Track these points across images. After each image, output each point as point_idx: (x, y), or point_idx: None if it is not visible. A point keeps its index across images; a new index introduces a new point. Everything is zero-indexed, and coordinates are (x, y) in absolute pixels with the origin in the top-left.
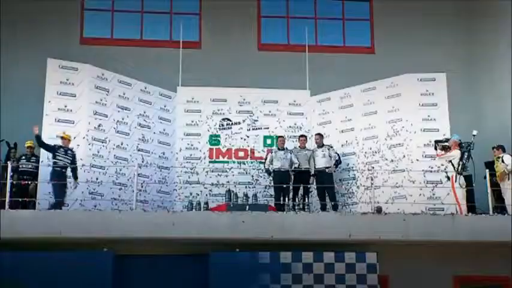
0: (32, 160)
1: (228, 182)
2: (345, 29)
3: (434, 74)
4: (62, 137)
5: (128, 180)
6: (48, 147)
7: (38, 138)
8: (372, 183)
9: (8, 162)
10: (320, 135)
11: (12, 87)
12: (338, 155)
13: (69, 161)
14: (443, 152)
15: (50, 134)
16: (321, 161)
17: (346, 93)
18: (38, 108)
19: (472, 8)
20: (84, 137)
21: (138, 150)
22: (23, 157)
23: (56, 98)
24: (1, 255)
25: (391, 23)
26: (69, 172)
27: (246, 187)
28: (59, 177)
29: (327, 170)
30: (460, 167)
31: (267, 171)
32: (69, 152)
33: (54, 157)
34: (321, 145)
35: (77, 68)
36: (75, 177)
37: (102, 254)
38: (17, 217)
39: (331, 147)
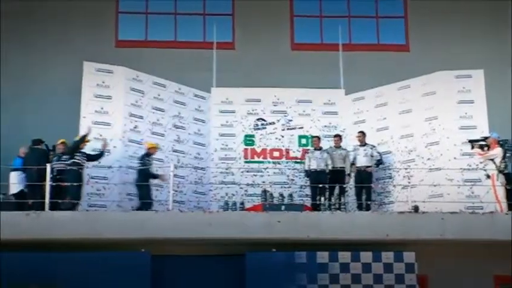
0: (63, 159)
1: (264, 182)
2: (378, 26)
3: (471, 71)
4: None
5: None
6: (76, 150)
7: (84, 137)
8: (408, 182)
9: (48, 164)
10: (363, 133)
11: (48, 90)
12: (380, 154)
13: (67, 164)
14: (485, 151)
15: (88, 136)
16: (363, 160)
17: (381, 91)
18: (74, 110)
19: (508, 3)
20: (120, 139)
21: (174, 151)
22: (55, 157)
23: (92, 101)
24: (40, 256)
25: (426, 19)
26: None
27: (281, 187)
28: (76, 178)
29: (367, 170)
30: (502, 165)
31: (306, 172)
32: (64, 157)
33: (72, 157)
34: (363, 144)
35: (112, 70)
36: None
37: (139, 255)
38: (56, 218)
39: (374, 146)
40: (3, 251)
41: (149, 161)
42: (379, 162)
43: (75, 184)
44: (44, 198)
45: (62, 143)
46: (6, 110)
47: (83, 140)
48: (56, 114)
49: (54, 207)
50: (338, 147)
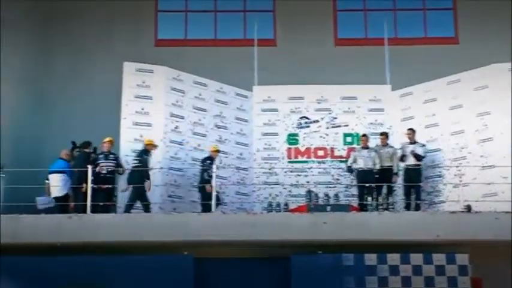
0: (110, 158)
1: (308, 182)
2: (426, 19)
3: None
4: (103, 142)
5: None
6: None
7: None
8: (460, 181)
9: (89, 166)
10: (412, 131)
11: (88, 91)
12: (425, 152)
13: (114, 164)
14: None
15: (128, 138)
16: (412, 158)
17: (429, 86)
18: (114, 111)
19: None
20: (161, 140)
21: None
22: (101, 155)
23: (132, 101)
24: (82, 260)
25: (476, 10)
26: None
27: (326, 187)
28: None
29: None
30: None
31: (349, 169)
32: (111, 155)
33: (96, 166)
34: (413, 141)
35: (153, 70)
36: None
37: (182, 258)
38: (98, 221)
39: (424, 145)
40: (45, 254)
41: (208, 165)
42: (418, 158)
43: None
44: (96, 200)
45: (109, 141)
46: (51, 111)
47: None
48: (97, 116)
49: (105, 209)
50: (385, 145)
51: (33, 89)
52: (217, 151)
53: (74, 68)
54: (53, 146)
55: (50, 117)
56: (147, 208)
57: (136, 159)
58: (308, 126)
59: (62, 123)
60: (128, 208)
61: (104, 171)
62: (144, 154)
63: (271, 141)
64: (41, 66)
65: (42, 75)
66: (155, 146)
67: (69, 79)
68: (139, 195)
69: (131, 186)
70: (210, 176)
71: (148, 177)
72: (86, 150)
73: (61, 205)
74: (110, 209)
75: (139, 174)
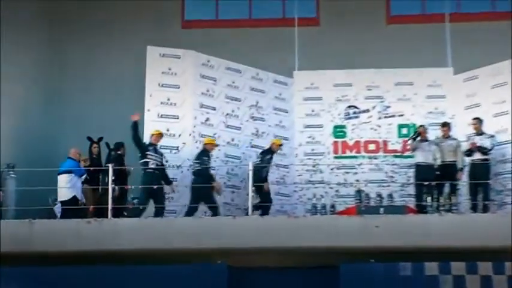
0: (159, 152)
1: (358, 180)
2: None
3: None
4: (152, 134)
5: (242, 181)
6: (139, 143)
7: (135, 126)
8: None
9: (109, 165)
10: (479, 120)
11: (108, 79)
12: (493, 145)
13: (160, 162)
14: None
15: (153, 132)
16: (478, 153)
17: (499, 69)
18: (138, 102)
19: None
20: (190, 134)
21: (252, 146)
22: (150, 146)
23: (157, 91)
24: (104, 269)
25: None
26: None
27: (379, 186)
28: (153, 181)
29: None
30: None
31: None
32: (159, 151)
33: (144, 156)
34: (480, 132)
35: (180, 55)
36: (168, 181)
37: (215, 268)
38: (120, 226)
39: (493, 136)
40: (62, 263)
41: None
42: (483, 151)
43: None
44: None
45: (158, 134)
46: (68, 105)
47: (133, 134)
48: (118, 110)
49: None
50: (447, 137)
51: (46, 88)
52: (280, 145)
53: (89, 58)
54: (68, 145)
55: (64, 115)
56: (215, 211)
57: (196, 162)
58: (357, 117)
59: (78, 121)
60: (191, 212)
61: (153, 165)
62: (203, 155)
63: (314, 134)
64: (55, 62)
65: (56, 71)
66: (215, 146)
67: (85, 72)
68: (204, 198)
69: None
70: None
71: (213, 179)
72: (119, 152)
73: (71, 209)
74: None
75: (203, 178)
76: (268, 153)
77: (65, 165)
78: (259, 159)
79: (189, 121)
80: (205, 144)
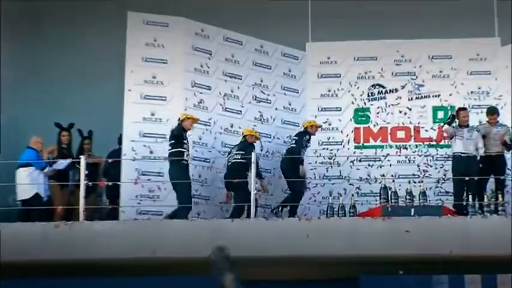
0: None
1: (383, 175)
2: None
3: None
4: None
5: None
6: (181, 131)
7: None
8: None
9: (81, 156)
10: None
11: (83, 54)
12: None
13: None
14: None
15: (135, 117)
16: None
17: None
18: (115, 82)
19: None
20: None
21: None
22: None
23: (140, 67)
24: (76, 284)
25: None
26: None
27: (409, 182)
28: (187, 174)
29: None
30: None
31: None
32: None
33: (179, 146)
34: None
35: (168, 23)
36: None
37: (211, 281)
38: (95, 230)
39: None
40: (24, 276)
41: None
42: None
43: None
44: None
45: (193, 118)
46: (36, 85)
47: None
48: (98, 88)
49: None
50: (494, 123)
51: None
52: (319, 126)
53: (62, 29)
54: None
55: (32, 97)
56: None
57: (238, 153)
58: (383, 98)
59: (47, 105)
60: (239, 213)
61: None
62: (250, 147)
63: (331, 119)
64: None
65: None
66: (257, 138)
67: (56, 45)
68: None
69: None
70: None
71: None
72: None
73: (34, 210)
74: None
75: (243, 172)
76: (305, 135)
77: (23, 157)
78: (294, 141)
79: (179, 103)
80: (245, 136)
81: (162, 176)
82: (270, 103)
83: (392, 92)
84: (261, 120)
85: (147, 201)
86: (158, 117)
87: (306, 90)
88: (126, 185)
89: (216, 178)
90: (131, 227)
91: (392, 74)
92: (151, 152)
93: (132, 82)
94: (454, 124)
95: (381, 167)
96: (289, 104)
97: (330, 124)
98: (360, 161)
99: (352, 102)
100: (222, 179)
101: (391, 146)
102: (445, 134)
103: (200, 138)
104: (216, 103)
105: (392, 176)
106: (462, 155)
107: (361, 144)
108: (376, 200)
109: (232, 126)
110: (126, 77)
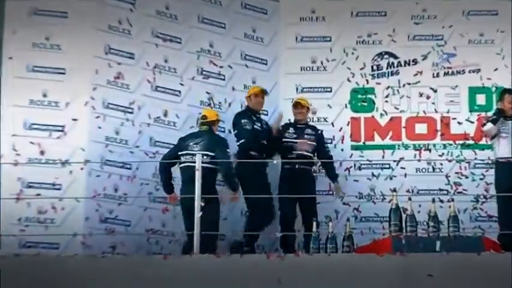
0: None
1: (395, 190)
2: None
3: None
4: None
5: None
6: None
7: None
8: None
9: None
10: None
11: None
12: None
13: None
14: None
15: (17, 99)
16: None
17: None
18: None
19: None
20: (86, 103)
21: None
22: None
23: (26, 24)
24: None
25: None
26: None
27: (433, 201)
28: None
29: None
30: None
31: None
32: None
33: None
34: None
35: None
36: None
37: None
38: None
39: None
40: None
41: None
42: None
43: None
44: None
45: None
46: None
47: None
48: None
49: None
50: None
51: None
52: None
53: None
54: None
55: None
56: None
57: (205, 153)
58: (395, 73)
59: None
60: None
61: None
62: (222, 143)
63: (317, 104)
64: None
65: None
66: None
67: None
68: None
69: None
70: None
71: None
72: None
73: None
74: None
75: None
76: (244, 116)
77: None
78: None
79: (85, 79)
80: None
81: (58, 189)
82: (223, 79)
83: (409, 64)
84: (210, 104)
85: (36, 227)
86: (53, 99)
87: (278, 61)
88: (3, 203)
89: (142, 193)
90: (10, 267)
91: (408, 37)
92: (42, 153)
93: (13, 46)
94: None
95: (391, 178)
96: (253, 82)
97: (313, 113)
98: (359, 168)
99: (349, 80)
100: (151, 195)
101: (406, 147)
102: (485, 132)
103: (117, 133)
104: (141, 79)
105: (408, 191)
106: (511, 160)
107: (361, 144)
108: (383, 228)
109: (166, 115)
110: (4, 38)
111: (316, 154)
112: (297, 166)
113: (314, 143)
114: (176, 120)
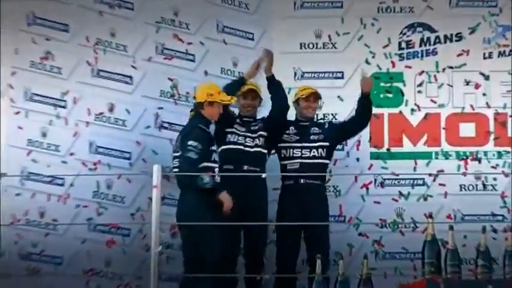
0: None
1: (431, 215)
2: None
3: None
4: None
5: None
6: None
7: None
8: None
9: None
10: None
11: None
12: None
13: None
14: None
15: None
16: None
17: None
18: None
19: None
20: (1, 94)
21: (162, 126)
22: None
23: None
24: None
25: None
26: None
27: (484, 230)
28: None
29: None
30: None
31: None
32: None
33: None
34: None
35: None
36: None
37: None
38: None
39: None
40: None
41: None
42: None
43: None
44: None
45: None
46: None
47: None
48: None
49: None
50: None
51: None
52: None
53: None
54: None
55: None
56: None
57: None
58: (432, 53)
59: None
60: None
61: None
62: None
63: (323, 94)
64: None
65: None
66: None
67: None
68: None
69: None
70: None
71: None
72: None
73: None
74: None
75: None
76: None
77: None
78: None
79: (4, 61)
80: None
81: None
82: (193, 61)
83: (451, 41)
84: (173, 95)
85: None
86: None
87: (269, 35)
88: None
89: (79, 219)
90: None
91: (450, 3)
92: None
93: None
94: None
95: (425, 198)
96: (235, 64)
97: (320, 107)
98: (381, 185)
99: (367, 62)
100: (91, 222)
101: (447, 155)
102: None
103: (44, 135)
104: (78, 60)
105: (449, 217)
106: None
107: (384, 151)
108: (414, 268)
109: (112, 110)
110: None
111: (330, 153)
112: (301, 181)
113: (326, 143)
114: (126, 118)
